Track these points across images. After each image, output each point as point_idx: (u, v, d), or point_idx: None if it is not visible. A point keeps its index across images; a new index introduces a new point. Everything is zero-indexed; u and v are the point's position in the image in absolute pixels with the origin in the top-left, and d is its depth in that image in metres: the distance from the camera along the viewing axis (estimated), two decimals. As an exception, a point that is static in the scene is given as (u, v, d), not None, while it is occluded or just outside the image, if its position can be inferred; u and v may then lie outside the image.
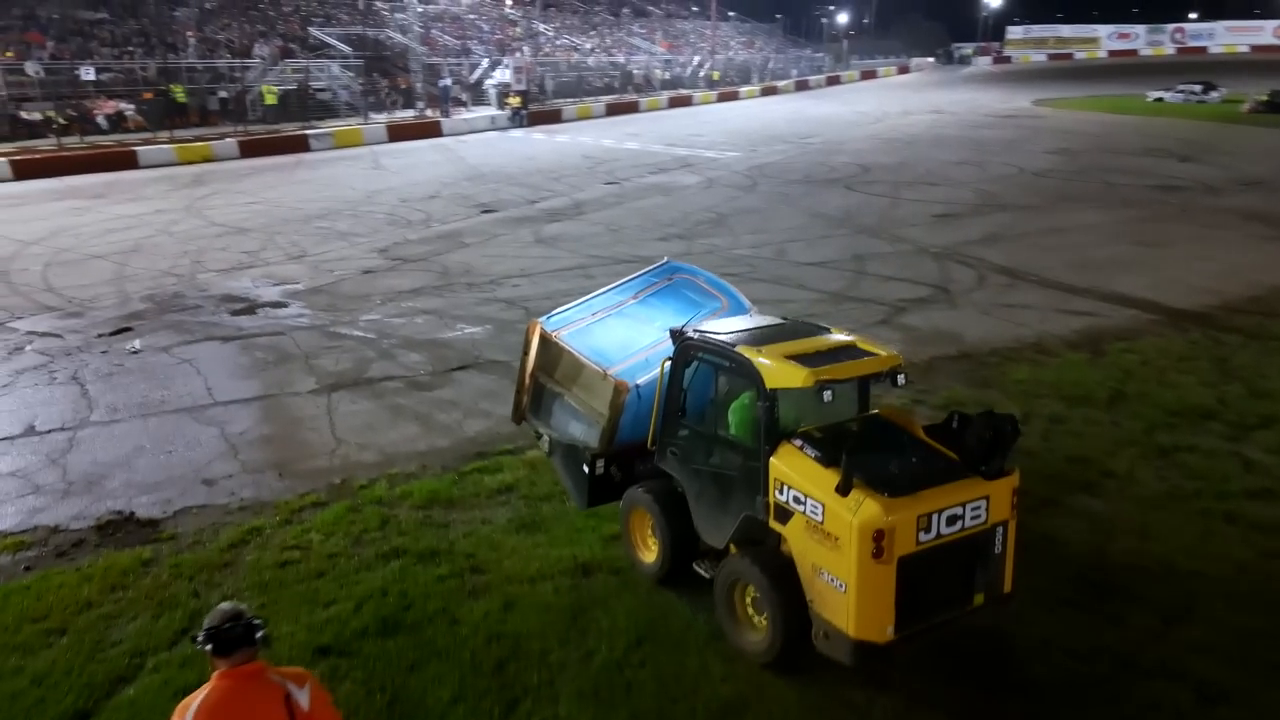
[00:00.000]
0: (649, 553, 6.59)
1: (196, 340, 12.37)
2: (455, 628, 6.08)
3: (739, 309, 7.34)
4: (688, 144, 33.35)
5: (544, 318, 7.45)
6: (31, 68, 29.12)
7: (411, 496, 7.95)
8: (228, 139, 29.14)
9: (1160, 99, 45.63)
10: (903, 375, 5.67)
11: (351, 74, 38.38)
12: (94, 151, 26.64)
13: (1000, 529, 5.37)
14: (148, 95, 31.34)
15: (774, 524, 5.49)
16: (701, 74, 59.27)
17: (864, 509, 4.95)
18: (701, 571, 6.15)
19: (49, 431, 9.44)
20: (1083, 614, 6.24)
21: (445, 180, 25.64)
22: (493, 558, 6.94)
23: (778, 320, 6.50)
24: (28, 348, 12.06)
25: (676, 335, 6.22)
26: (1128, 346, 11.59)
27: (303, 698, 3.41)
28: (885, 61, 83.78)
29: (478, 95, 42.96)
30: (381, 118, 36.39)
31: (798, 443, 5.39)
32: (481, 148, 32.92)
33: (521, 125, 38.62)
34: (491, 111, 40.17)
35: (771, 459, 5.44)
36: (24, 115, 27.91)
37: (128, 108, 30.46)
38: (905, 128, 37.11)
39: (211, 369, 11.24)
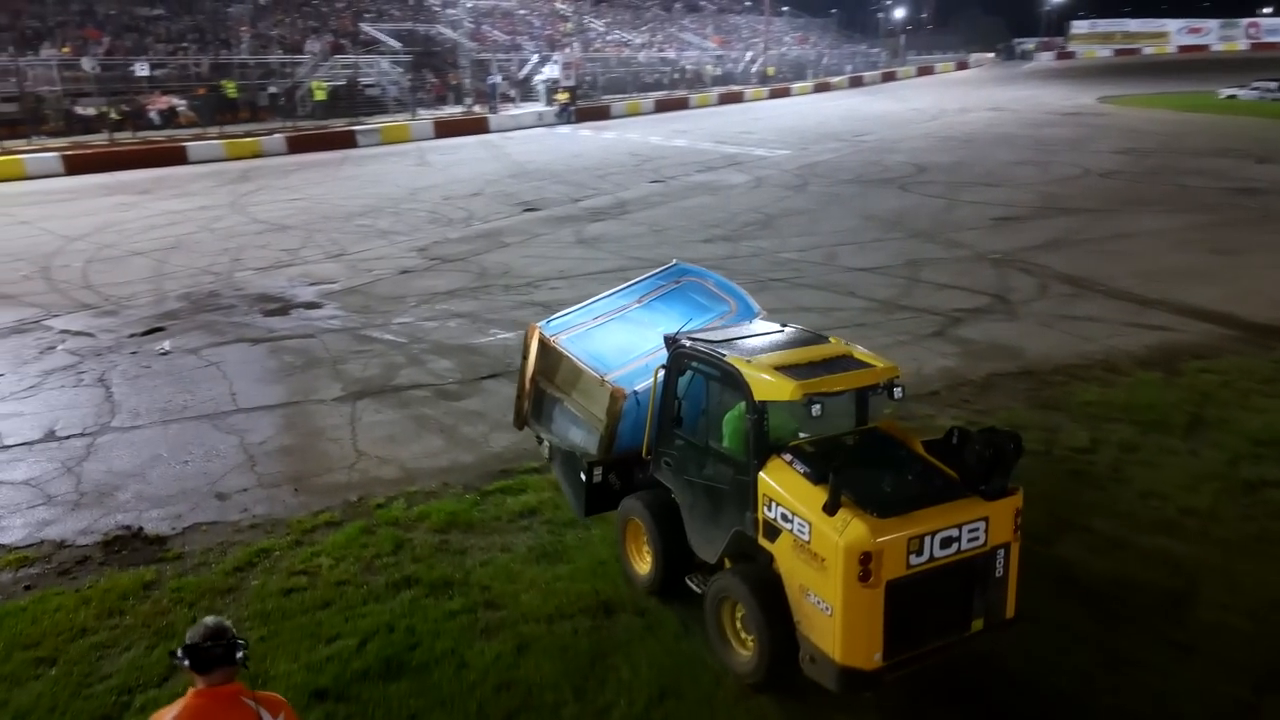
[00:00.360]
0: (643, 564, 6.39)
1: (227, 342, 12.14)
2: (463, 672, 5.61)
3: (747, 313, 7.08)
4: (737, 141, 32.68)
5: (544, 321, 7.31)
6: (88, 63, 29.45)
7: (429, 518, 7.52)
8: (276, 135, 29.25)
9: (1233, 96, 43.62)
10: (900, 388, 5.42)
11: (400, 70, 38.35)
12: (145, 147, 26.89)
13: (1001, 551, 5.07)
14: (201, 91, 31.57)
15: (763, 541, 5.24)
16: (754, 70, 58.37)
17: (850, 530, 4.70)
18: (693, 586, 5.94)
19: (69, 437, 9.22)
20: (1161, 678, 5.55)
21: (489, 177, 25.37)
22: (509, 591, 6.46)
23: (777, 327, 6.22)
24: (59, 347, 11.93)
25: (670, 342, 6.02)
26: (1206, 365, 10.72)
27: None
28: (943, 57, 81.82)
29: (526, 91, 42.71)
30: (430, 114, 36.30)
31: (787, 457, 5.17)
32: (528, 144, 32.64)
33: (569, 121, 38.27)
34: (540, 108, 39.89)
35: (760, 473, 5.22)
36: (79, 111, 28.27)
37: (180, 103, 30.72)
38: (963, 126, 35.95)
39: (238, 373, 10.97)
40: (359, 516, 7.61)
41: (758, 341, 5.84)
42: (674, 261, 8.02)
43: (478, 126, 35.30)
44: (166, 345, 11.90)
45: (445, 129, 34.06)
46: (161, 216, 19.90)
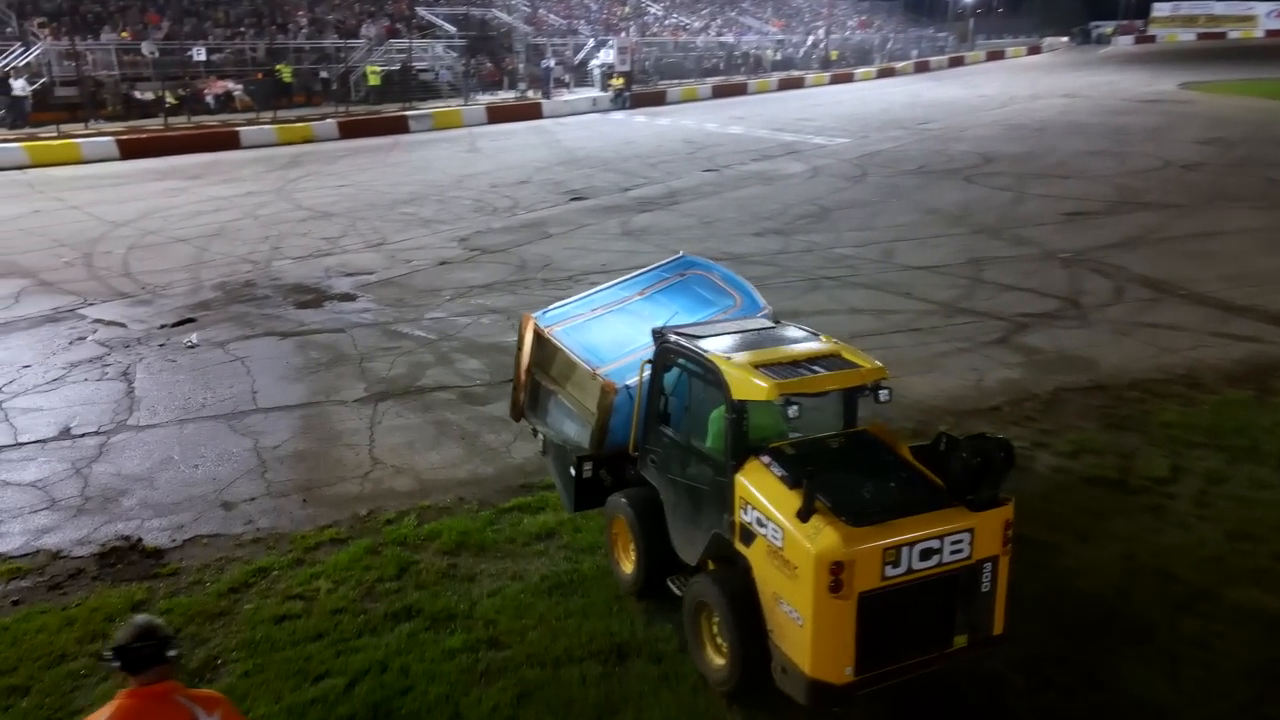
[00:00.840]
0: (628, 563, 6.24)
1: (255, 335, 11.83)
2: (456, 725, 5.08)
3: (752, 308, 7.00)
4: (795, 129, 31.68)
5: (540, 312, 7.21)
6: (147, 48, 29.69)
7: (440, 538, 7.02)
8: (328, 120, 29.08)
9: (1329, 83, 40.97)
10: (886, 390, 5.22)
11: (455, 54, 38.04)
12: (199, 131, 26.93)
13: (988, 565, 4.81)
14: (257, 76, 31.63)
15: (739, 545, 5.08)
16: (815, 54, 56.90)
17: (822, 538, 4.51)
18: (674, 589, 5.74)
19: (83, 435, 8.94)
20: (1256, 767, 4.78)
21: (539, 165, 24.87)
22: (516, 627, 5.92)
23: (769, 324, 6.09)
24: (90, 337, 11.74)
25: (657, 336, 5.90)
26: (1303, 384, 9.71)
27: None
28: (1014, 41, 78.92)
29: (581, 76, 42.09)
30: (484, 99, 35.94)
31: (766, 459, 4.99)
32: (580, 130, 32.06)
33: (624, 107, 37.58)
34: (594, 93, 39.26)
35: (737, 475, 5.06)
36: (137, 95, 28.47)
37: (236, 88, 30.78)
38: (1034, 113, 34.35)
39: (262, 369, 10.63)
40: (366, 534, 7.15)
41: (744, 338, 5.65)
42: (680, 253, 7.95)
43: (531, 112, 34.83)
44: (194, 338, 11.62)
45: (498, 114, 33.66)
46: (208, 202, 19.81)
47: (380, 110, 31.79)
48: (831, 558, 4.44)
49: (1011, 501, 4.85)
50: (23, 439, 8.87)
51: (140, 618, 3.38)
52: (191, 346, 11.40)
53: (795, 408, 4.99)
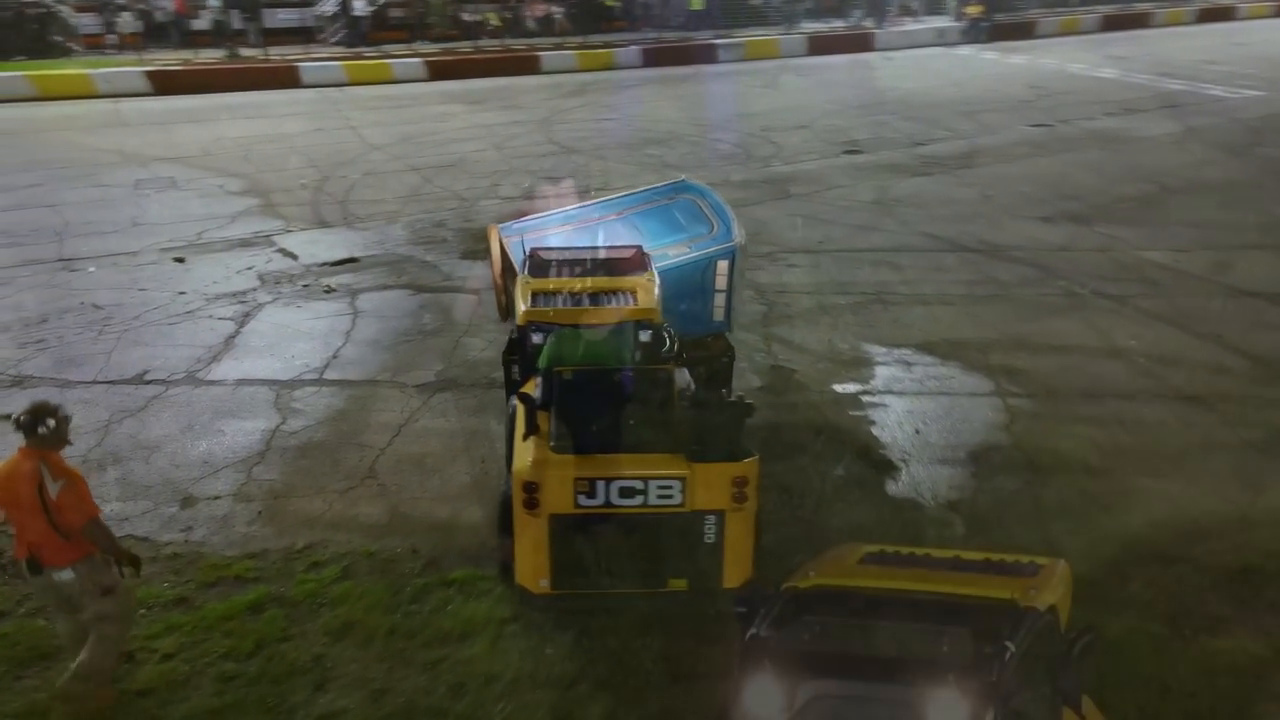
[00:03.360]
0: None
1: (396, 286, 11.11)
2: None
3: (726, 238, 7.37)
4: (1190, 75, 25.17)
5: (508, 223, 8.13)
6: (477, -32, 30.64)
7: (341, 607, 5.58)
8: (632, 46, 28.06)
9: None
10: (648, 331, 5.66)
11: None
12: (503, 55, 27.19)
13: (712, 518, 4.95)
14: (580, -1, 31.48)
15: None
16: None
17: (522, 458, 4.96)
18: None
19: (151, 382, 8.64)
20: None
21: (832, 107, 21.92)
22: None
23: (634, 252, 6.59)
24: (255, 268, 11.72)
25: (529, 255, 6.67)
26: None
27: (53, 489, 4.32)
28: None
29: (935, 2, 37.07)
30: (808, 27, 32.88)
31: (539, 380, 5.34)
32: (906, 67, 28.02)
33: (977, 40, 32.42)
34: (943, 23, 34.37)
35: (519, 391, 5.59)
36: (465, 16, 29.49)
37: (557, 11, 30.85)
38: None
39: (364, 329, 9.82)
40: (276, 579, 5.89)
41: (582, 266, 6.24)
42: (681, 178, 8.40)
43: (860, 44, 31.15)
44: (332, 283, 11.13)
45: (819, 45, 30.50)
46: (469, 130, 19.70)
47: (691, 38, 30.16)
48: (524, 477, 4.89)
49: (751, 459, 4.88)
50: (100, 377, 8.77)
51: (35, 402, 4.52)
52: (329, 291, 10.92)
53: (540, 335, 5.47)
